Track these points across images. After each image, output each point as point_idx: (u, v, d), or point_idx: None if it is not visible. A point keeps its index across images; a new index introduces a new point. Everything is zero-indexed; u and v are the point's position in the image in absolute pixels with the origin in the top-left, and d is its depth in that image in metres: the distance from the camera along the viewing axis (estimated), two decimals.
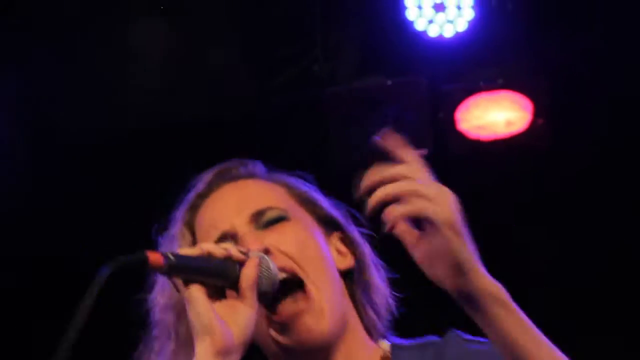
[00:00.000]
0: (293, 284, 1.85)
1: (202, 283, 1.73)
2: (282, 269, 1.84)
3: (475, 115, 4.43)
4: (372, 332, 1.96)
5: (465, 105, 4.41)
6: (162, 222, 2.00)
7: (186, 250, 1.78)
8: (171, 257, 1.69)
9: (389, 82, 4.42)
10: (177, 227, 1.98)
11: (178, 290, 1.77)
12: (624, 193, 4.51)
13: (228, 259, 1.76)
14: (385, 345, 1.97)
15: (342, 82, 4.42)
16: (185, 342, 1.86)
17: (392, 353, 1.95)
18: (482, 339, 1.86)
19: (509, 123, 4.42)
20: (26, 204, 4.60)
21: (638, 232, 4.52)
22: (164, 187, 4.57)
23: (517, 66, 4.41)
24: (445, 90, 4.42)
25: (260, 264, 1.78)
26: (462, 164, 4.45)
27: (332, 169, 4.48)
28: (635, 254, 4.55)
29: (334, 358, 1.89)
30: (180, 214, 2.00)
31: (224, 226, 1.91)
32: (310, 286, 1.85)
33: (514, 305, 1.62)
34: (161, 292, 1.93)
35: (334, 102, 4.42)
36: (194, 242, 1.95)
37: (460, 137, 4.43)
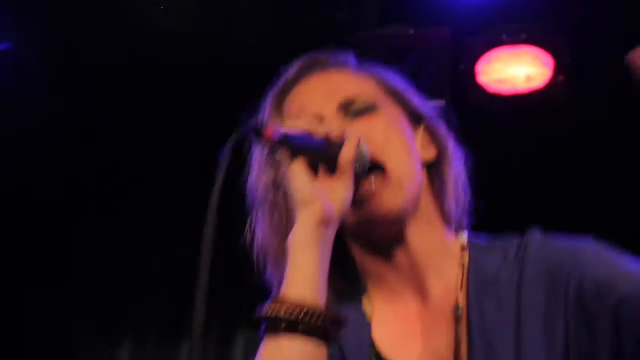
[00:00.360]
0: (375, 169, 1.89)
1: (304, 158, 1.80)
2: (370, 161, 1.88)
3: (496, 68, 4.43)
4: (450, 223, 2.00)
5: (486, 58, 4.41)
6: (251, 109, 2.03)
7: (291, 125, 1.82)
8: (282, 131, 1.77)
9: (412, 31, 4.42)
10: (267, 112, 2.02)
11: (280, 164, 1.85)
12: None
13: (328, 138, 1.82)
14: (463, 239, 2.00)
15: (365, 30, 4.42)
16: (283, 214, 1.94)
17: (470, 249, 1.98)
18: (565, 237, 1.93)
19: (529, 78, 4.43)
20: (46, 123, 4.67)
21: None
22: (175, 115, 4.66)
23: (541, 22, 4.40)
24: (467, 42, 4.42)
25: (358, 146, 1.83)
26: (480, 116, 4.47)
27: None
28: None
29: (408, 240, 1.93)
30: (269, 99, 2.04)
31: (313, 111, 1.94)
32: (390, 169, 1.89)
33: None
34: (260, 168, 1.98)
35: (356, 49, 4.42)
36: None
37: (480, 90, 4.44)
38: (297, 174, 1.79)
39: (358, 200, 1.87)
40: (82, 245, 5.14)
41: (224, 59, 4.46)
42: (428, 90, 4.61)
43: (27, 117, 4.57)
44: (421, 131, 2.03)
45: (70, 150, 4.80)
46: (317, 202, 1.77)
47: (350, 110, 1.95)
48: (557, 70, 4.39)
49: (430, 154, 2.02)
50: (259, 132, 1.76)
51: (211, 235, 1.65)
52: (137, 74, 4.55)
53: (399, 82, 2.07)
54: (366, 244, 1.96)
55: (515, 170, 4.57)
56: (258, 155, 1.99)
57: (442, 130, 2.05)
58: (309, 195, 1.78)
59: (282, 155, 1.81)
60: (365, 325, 1.94)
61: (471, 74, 4.42)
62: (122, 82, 4.58)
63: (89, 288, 5.16)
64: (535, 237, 1.95)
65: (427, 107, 2.06)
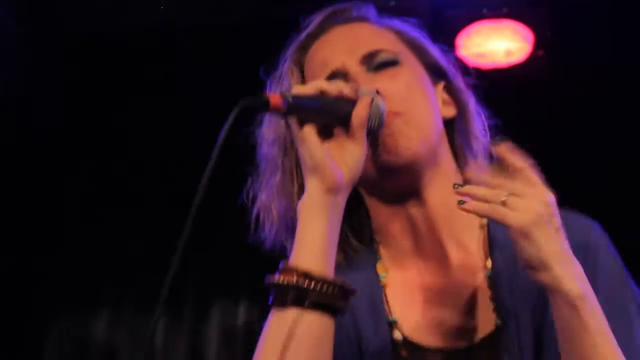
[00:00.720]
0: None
1: (314, 121, 1.77)
2: (389, 112, 1.85)
3: (476, 42, 4.42)
4: (468, 184, 1.97)
5: (466, 31, 4.40)
6: (271, 62, 2.01)
7: (300, 89, 1.79)
8: (289, 97, 1.73)
9: (392, 3, 4.40)
10: (287, 66, 2.00)
11: (290, 129, 1.82)
12: (621, 128, 4.53)
13: (340, 97, 1.79)
14: None
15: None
16: (290, 175, 1.94)
17: None
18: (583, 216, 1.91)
19: (508, 53, 4.42)
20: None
21: (634, 167, 4.56)
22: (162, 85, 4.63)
23: None
24: (447, 14, 4.40)
25: (371, 104, 1.80)
26: None
27: None
28: (631, 189, 4.59)
29: (426, 196, 1.91)
30: (290, 52, 2.02)
31: (335, 64, 1.92)
32: (409, 115, 1.87)
33: (586, 311, 1.65)
34: (269, 128, 1.97)
35: None
36: (302, 81, 1.97)
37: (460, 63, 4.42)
38: (307, 139, 1.76)
39: (372, 145, 1.84)
40: (61, 215, 5.11)
41: (216, 22, 4.43)
42: None
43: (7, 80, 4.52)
44: (441, 87, 2.02)
45: (53, 121, 4.77)
46: (326, 168, 1.75)
47: (373, 63, 1.93)
48: (537, 45, 4.39)
49: (450, 111, 2.00)
50: (264, 104, 1.72)
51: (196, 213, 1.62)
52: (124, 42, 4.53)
53: (419, 36, 2.05)
54: (382, 197, 1.94)
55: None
56: (268, 119, 1.98)
57: (462, 87, 2.04)
58: (318, 162, 1.75)
59: (292, 120, 1.79)
60: (378, 290, 1.92)
61: (450, 48, 4.40)
62: (107, 49, 4.55)
63: (65, 258, 5.14)
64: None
65: (448, 62, 2.05)
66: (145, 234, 5.08)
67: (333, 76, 1.92)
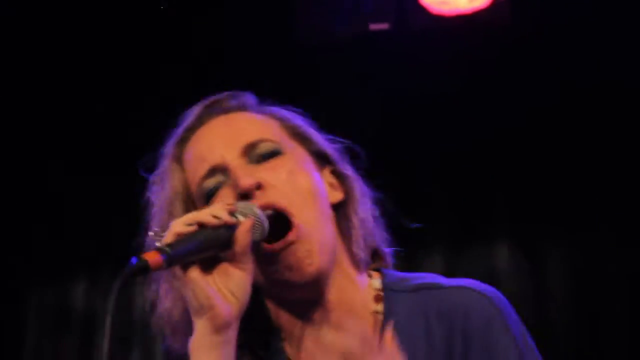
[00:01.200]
0: (283, 219, 1.83)
1: (197, 259, 1.75)
2: (272, 205, 1.83)
3: None
4: (360, 267, 1.94)
5: None
6: (149, 156, 1.97)
7: (177, 228, 1.75)
8: (167, 250, 1.70)
9: None
10: (166, 163, 1.96)
11: (176, 277, 1.79)
12: (584, 71, 4.55)
13: (219, 225, 1.75)
14: (376, 283, 1.95)
15: None
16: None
17: (385, 296, 1.93)
18: (492, 294, 1.87)
19: None
20: None
21: (593, 111, 4.59)
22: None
23: None
24: None
25: (253, 227, 1.78)
26: (423, 38, 4.47)
27: (295, 46, 4.49)
28: (589, 129, 4.63)
29: (325, 295, 1.88)
30: (168, 148, 1.97)
31: (214, 159, 1.88)
32: (300, 221, 1.84)
33: None
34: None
35: None
36: (183, 177, 1.93)
37: (423, 11, 4.42)
38: (191, 283, 1.75)
39: (270, 257, 1.82)
40: (40, 181, 5.09)
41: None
42: (372, 13, 4.59)
43: None
44: (327, 172, 1.97)
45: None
46: (213, 308, 1.74)
47: (254, 154, 1.88)
48: None
49: (337, 195, 1.96)
50: (143, 269, 1.68)
51: None
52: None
53: (302, 123, 1.99)
54: (281, 304, 1.92)
55: (458, 91, 4.58)
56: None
57: (348, 170, 1.98)
58: (204, 303, 1.74)
59: (176, 269, 1.76)
60: None
61: None
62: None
63: (43, 225, 5.13)
64: (457, 290, 1.89)
65: (332, 147, 1.99)
66: (123, 200, 5.06)
67: (212, 172, 1.88)
